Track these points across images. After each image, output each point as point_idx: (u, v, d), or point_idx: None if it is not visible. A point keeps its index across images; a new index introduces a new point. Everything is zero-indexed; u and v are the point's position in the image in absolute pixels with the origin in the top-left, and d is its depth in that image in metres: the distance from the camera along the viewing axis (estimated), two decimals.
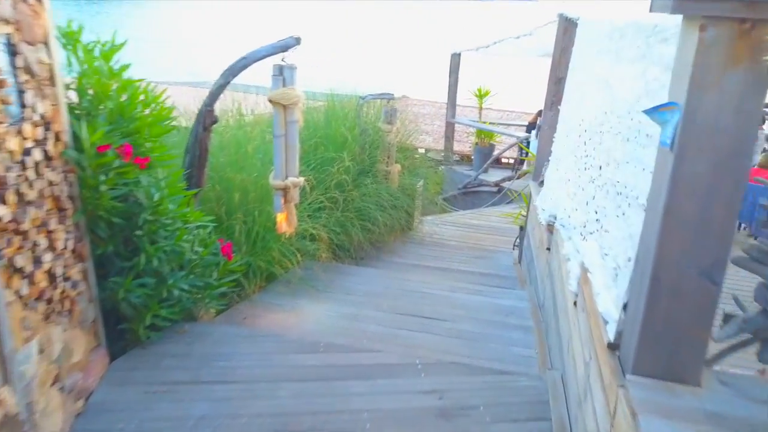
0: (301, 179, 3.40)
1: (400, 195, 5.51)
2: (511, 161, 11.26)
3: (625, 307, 1.70)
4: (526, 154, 9.81)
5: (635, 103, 2.17)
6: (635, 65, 2.26)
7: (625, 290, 1.78)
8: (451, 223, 7.35)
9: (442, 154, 11.24)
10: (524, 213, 6.03)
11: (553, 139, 4.53)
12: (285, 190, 3.34)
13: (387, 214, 5.18)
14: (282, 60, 3.24)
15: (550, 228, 3.88)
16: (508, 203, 9.04)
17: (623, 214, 2.10)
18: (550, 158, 4.58)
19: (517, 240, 6.24)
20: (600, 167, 2.70)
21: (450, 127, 10.89)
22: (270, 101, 3.24)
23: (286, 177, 3.34)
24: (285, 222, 3.40)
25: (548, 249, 3.75)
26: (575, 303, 2.46)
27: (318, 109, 5.80)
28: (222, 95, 3.41)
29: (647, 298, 1.47)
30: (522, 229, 5.89)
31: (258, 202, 3.81)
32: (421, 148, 11.91)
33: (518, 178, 9.34)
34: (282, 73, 3.25)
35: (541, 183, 4.98)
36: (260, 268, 3.77)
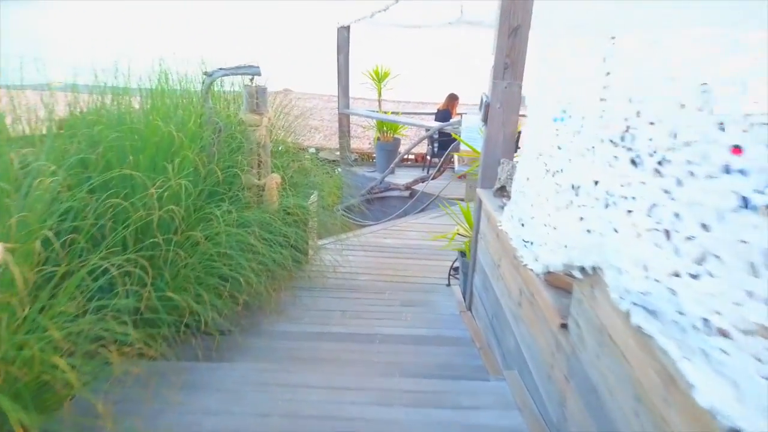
0: None
1: (280, 224, 3.51)
2: (412, 157, 9.57)
3: None
4: (441, 148, 8.16)
5: None
6: None
7: None
8: (360, 246, 5.47)
9: (337, 153, 9.33)
10: (462, 231, 4.30)
11: (523, 125, 2.79)
12: None
13: (261, 257, 3.18)
14: None
15: (562, 282, 2.12)
16: (420, 210, 7.36)
17: None
18: (519, 153, 2.84)
19: (455, 270, 4.50)
20: None
21: (345, 120, 8.95)
22: None
23: None
24: None
25: (564, 326, 1.99)
26: None
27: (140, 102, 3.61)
28: None
29: None
30: (464, 255, 4.15)
31: None
32: (311, 147, 9.92)
33: (434, 178, 7.66)
34: None
35: (500, 191, 3.24)
36: None
